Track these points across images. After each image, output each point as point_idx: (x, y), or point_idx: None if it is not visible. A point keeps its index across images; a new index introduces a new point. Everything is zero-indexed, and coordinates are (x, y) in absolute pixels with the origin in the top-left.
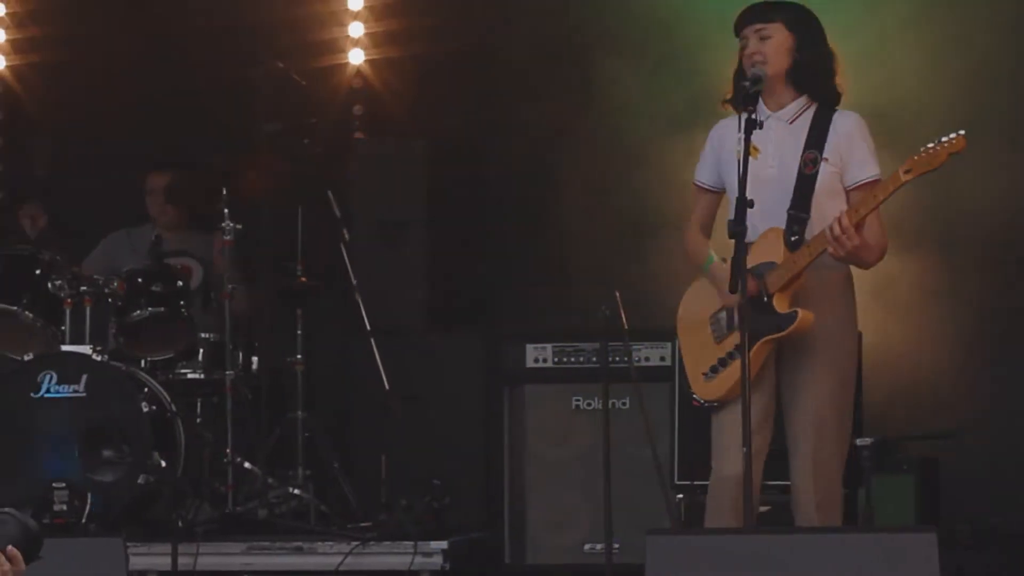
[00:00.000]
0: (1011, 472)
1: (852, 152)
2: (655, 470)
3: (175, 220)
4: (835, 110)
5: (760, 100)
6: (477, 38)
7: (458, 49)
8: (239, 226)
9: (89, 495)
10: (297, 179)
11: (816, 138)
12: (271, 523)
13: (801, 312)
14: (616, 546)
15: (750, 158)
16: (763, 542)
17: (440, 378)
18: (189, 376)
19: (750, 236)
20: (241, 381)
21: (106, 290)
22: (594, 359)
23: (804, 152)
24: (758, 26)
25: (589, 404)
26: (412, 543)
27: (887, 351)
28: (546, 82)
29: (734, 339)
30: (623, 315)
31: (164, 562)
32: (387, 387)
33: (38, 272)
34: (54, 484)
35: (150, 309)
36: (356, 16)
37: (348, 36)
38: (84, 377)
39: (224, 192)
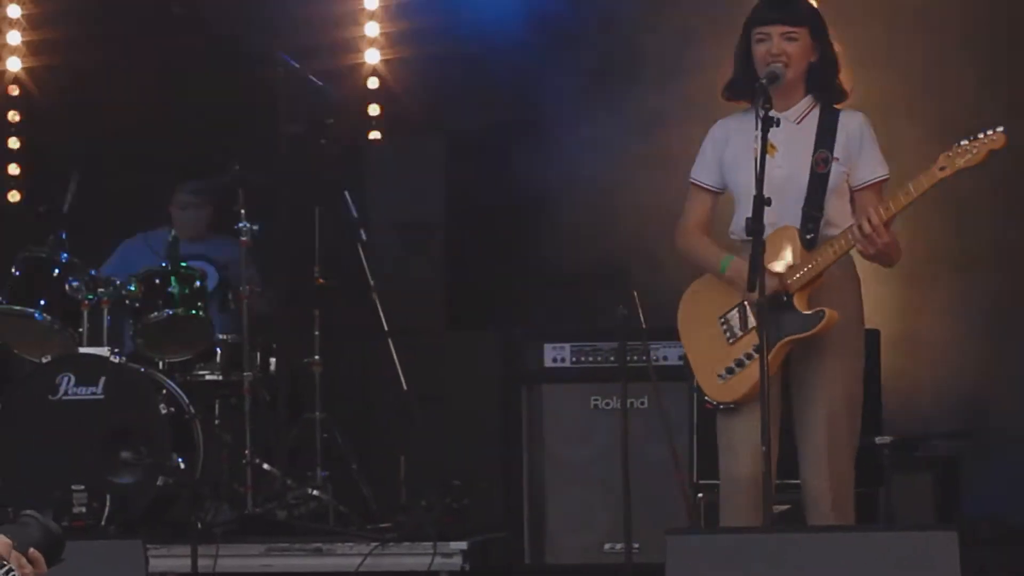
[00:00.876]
0: None
1: (861, 152)
2: (674, 467)
3: (196, 233)
4: (838, 109)
5: None
6: (490, 37)
7: (472, 48)
8: (256, 227)
9: (108, 497)
10: (314, 180)
11: (825, 137)
12: (290, 524)
13: (828, 312)
14: (636, 546)
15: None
16: (783, 541)
17: (458, 378)
18: (207, 378)
19: None
20: (259, 382)
21: (123, 292)
22: (612, 359)
23: (815, 151)
24: (786, 29)
25: (607, 404)
26: (431, 543)
27: (910, 349)
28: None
29: (750, 339)
30: (641, 314)
31: (184, 564)
32: (405, 387)
33: (56, 274)
34: (73, 487)
35: (168, 311)
36: (372, 16)
37: (364, 36)
38: (102, 379)
39: (241, 194)
